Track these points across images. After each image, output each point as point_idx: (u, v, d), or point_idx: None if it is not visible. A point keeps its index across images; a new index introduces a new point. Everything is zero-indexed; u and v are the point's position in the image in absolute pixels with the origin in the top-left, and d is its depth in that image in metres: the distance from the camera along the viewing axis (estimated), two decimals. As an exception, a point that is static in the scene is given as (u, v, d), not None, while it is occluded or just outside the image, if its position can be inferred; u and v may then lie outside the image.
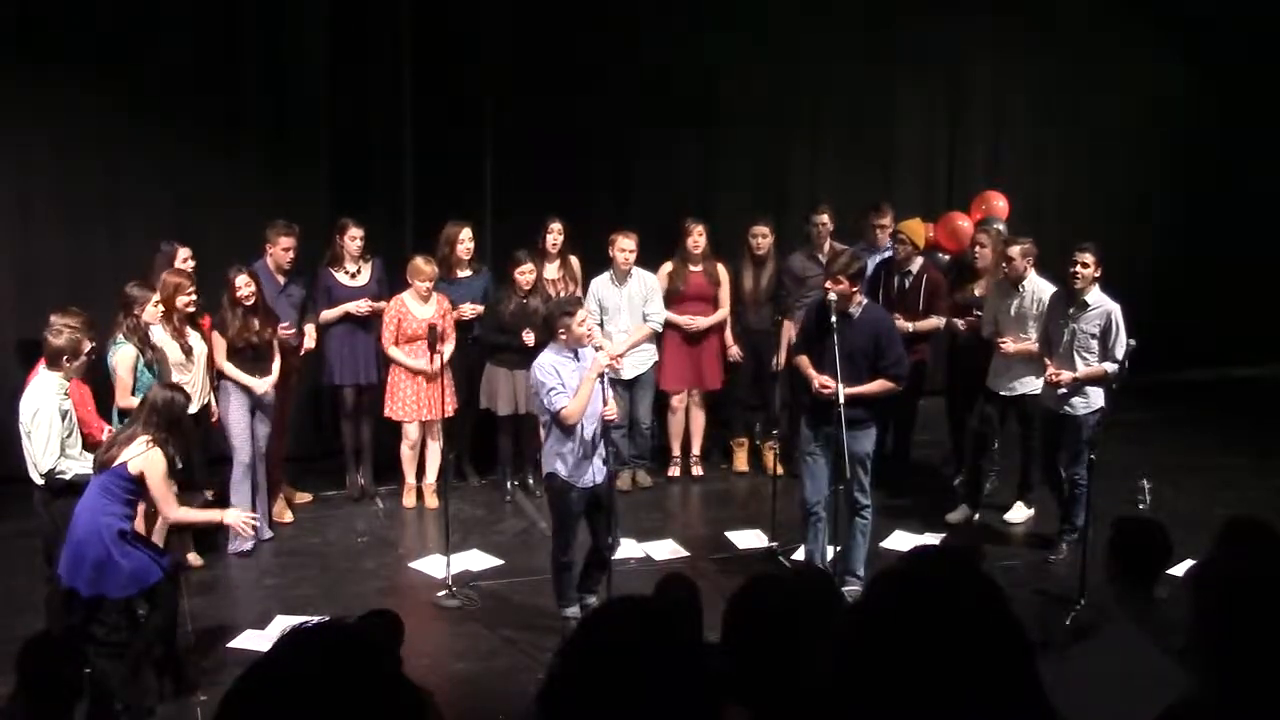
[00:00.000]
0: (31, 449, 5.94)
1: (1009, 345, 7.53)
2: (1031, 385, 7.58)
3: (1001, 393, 7.72)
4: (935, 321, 8.22)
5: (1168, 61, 11.02)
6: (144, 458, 5.59)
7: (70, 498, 5.90)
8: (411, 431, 8.29)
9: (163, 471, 5.64)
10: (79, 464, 6.00)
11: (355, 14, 8.95)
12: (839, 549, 6.88)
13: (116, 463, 5.59)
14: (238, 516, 6.32)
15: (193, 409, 6.98)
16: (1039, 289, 7.52)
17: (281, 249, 7.83)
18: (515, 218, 8.90)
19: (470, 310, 8.34)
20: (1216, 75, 11.07)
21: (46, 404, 5.92)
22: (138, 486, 5.64)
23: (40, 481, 5.99)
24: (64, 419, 5.97)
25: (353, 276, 8.25)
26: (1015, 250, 7.53)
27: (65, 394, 6.01)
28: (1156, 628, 3.63)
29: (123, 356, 6.74)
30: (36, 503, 6.13)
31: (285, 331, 7.76)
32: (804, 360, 6.85)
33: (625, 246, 8.35)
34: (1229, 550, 3.97)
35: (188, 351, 7.06)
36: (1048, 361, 7.29)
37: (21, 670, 4.28)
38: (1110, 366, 7.12)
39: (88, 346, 6.11)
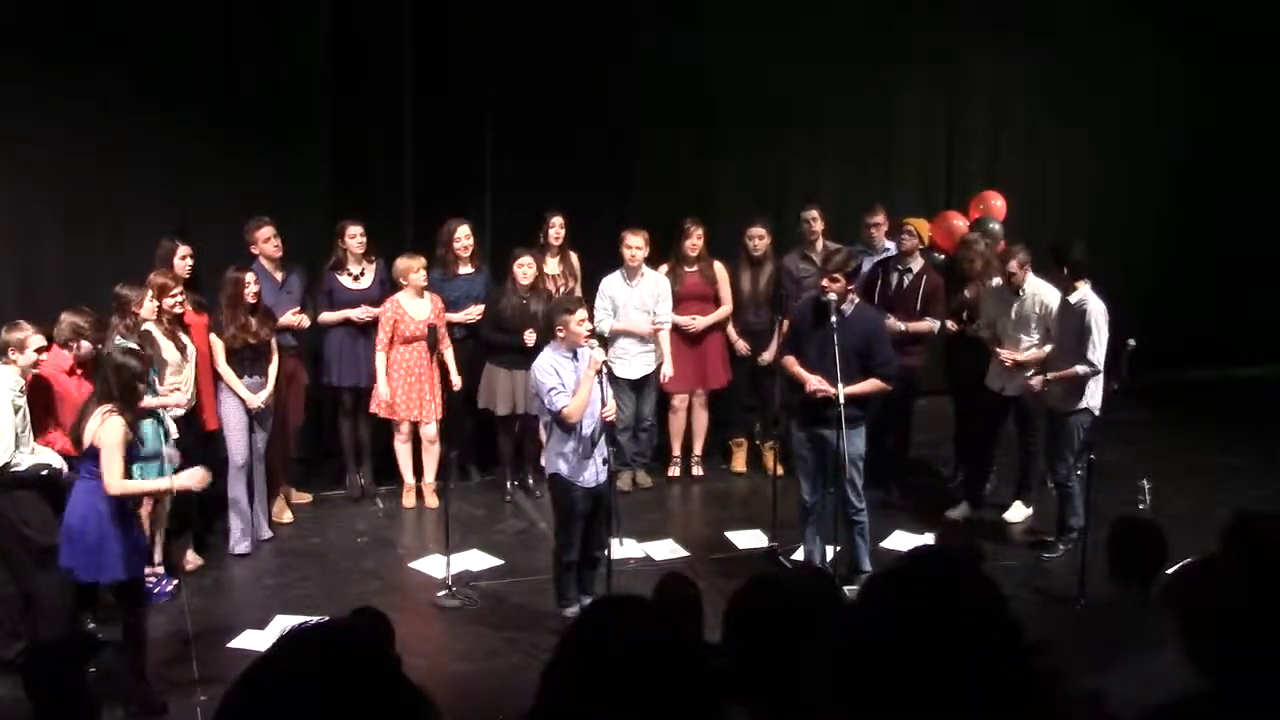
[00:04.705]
0: None
1: (1006, 355, 7.54)
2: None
3: (1008, 393, 7.73)
4: (929, 324, 8.19)
5: (1168, 61, 11.03)
6: (101, 427, 5.52)
7: (21, 491, 5.92)
8: (404, 427, 8.30)
9: (115, 440, 5.49)
10: (31, 458, 6.00)
11: (355, 15, 8.95)
12: (838, 549, 6.90)
13: (85, 441, 5.56)
14: (191, 478, 5.93)
15: (181, 411, 6.99)
16: (1039, 290, 7.53)
17: (264, 241, 7.81)
18: (515, 218, 8.90)
19: (476, 313, 8.35)
20: (1216, 75, 11.08)
21: (1, 397, 5.92)
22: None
23: None
24: (17, 413, 5.96)
25: (356, 279, 8.26)
26: (1014, 264, 7.49)
27: (21, 390, 6.02)
28: (1152, 628, 3.62)
29: None
30: None
31: (295, 319, 7.80)
32: (791, 360, 6.86)
33: (633, 244, 8.34)
34: (1229, 547, 3.97)
35: (182, 350, 7.06)
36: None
37: (25, 676, 4.28)
38: (1081, 368, 7.14)
39: (38, 342, 6.09)
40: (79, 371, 6.42)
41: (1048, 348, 7.45)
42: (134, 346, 6.26)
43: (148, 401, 6.17)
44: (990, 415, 7.91)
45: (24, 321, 6.15)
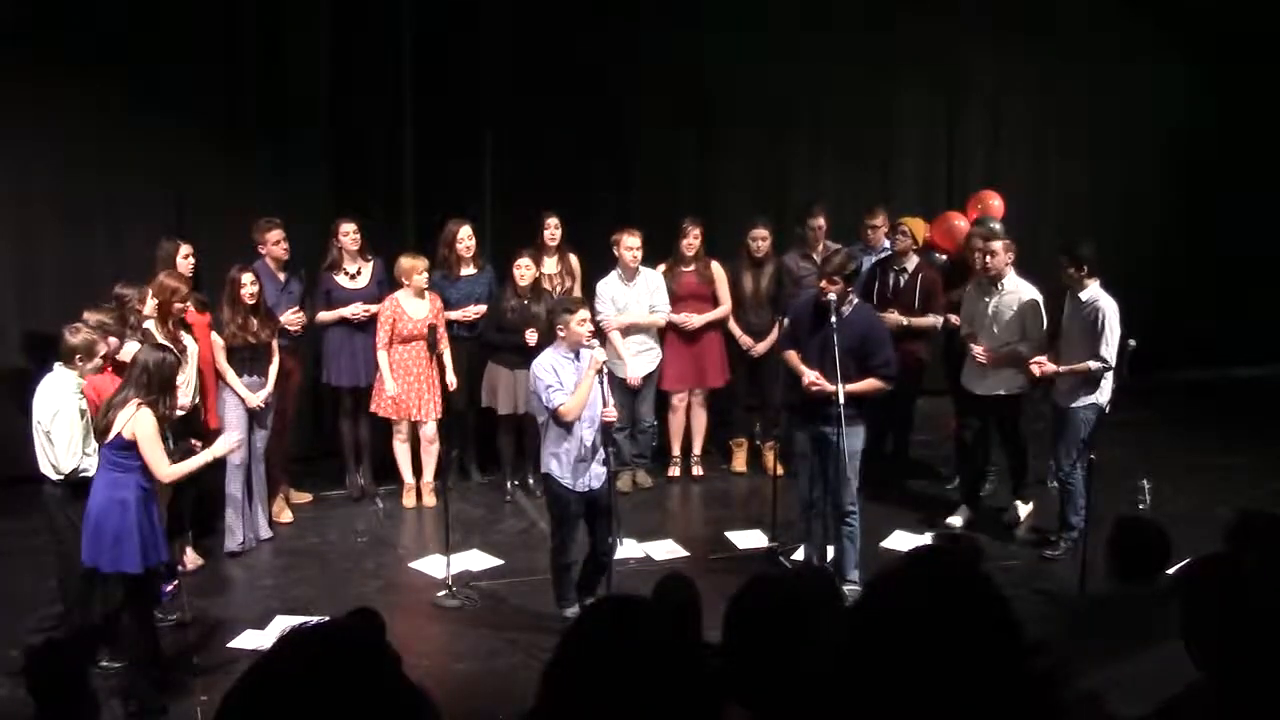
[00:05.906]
0: (52, 449, 5.91)
1: (979, 353, 7.51)
2: (1009, 384, 7.59)
3: (978, 393, 7.71)
4: (933, 320, 8.21)
5: (1168, 61, 11.03)
6: (134, 419, 5.55)
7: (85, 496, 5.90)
8: (403, 427, 8.30)
9: (152, 431, 5.57)
10: (93, 461, 5.99)
11: (355, 14, 8.95)
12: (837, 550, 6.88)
13: (113, 432, 5.57)
14: (226, 444, 6.24)
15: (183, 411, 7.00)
16: (1018, 287, 7.51)
17: (273, 243, 7.84)
18: (515, 218, 8.91)
19: (474, 312, 8.35)
20: (1216, 75, 11.08)
21: (66, 404, 5.91)
22: (135, 451, 5.59)
23: (59, 479, 5.96)
24: (82, 418, 5.96)
25: (352, 278, 8.25)
26: (998, 245, 7.49)
27: (82, 393, 6.01)
28: (1154, 627, 3.62)
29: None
30: (54, 502, 6.03)
31: (293, 318, 7.81)
32: (793, 355, 6.86)
33: (631, 245, 8.35)
34: (1233, 547, 3.97)
35: (181, 351, 7.06)
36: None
37: (28, 675, 4.28)
38: (1094, 364, 7.12)
39: (103, 349, 6.10)
40: (108, 368, 6.42)
41: (1023, 346, 7.42)
42: (164, 343, 6.28)
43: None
44: (975, 415, 7.87)
45: (83, 325, 6.09)
